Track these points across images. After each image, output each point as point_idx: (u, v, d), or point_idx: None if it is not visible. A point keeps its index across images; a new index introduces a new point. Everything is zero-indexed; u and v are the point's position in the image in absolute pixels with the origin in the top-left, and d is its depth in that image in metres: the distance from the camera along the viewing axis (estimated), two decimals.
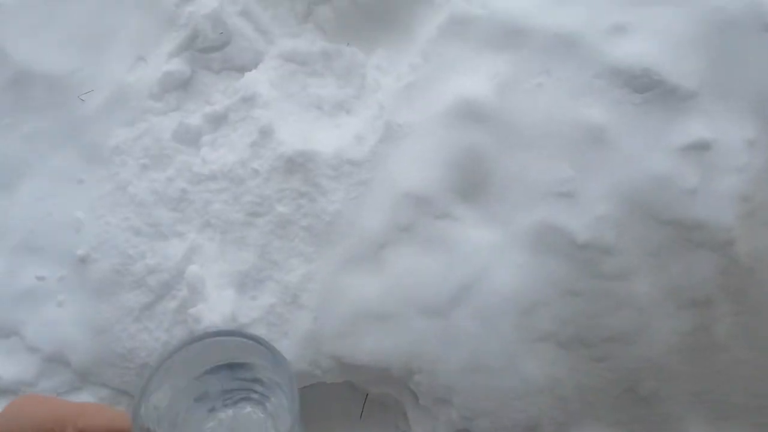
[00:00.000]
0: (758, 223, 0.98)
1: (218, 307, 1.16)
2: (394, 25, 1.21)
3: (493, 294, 1.07)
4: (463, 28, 1.08)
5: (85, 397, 1.19)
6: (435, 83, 1.10)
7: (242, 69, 1.28)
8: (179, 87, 1.28)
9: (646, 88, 1.00)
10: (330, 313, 1.18)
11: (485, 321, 1.08)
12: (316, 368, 1.20)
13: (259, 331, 1.18)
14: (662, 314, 1.05)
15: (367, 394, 1.30)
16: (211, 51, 1.27)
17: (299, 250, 1.17)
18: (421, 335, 1.12)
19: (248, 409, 0.46)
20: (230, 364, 0.46)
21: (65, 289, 1.22)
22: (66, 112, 1.37)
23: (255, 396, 0.46)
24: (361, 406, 1.30)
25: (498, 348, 1.08)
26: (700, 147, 0.99)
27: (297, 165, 1.17)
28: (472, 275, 1.08)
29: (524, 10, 1.06)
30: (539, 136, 1.04)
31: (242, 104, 1.22)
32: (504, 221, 1.08)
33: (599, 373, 1.04)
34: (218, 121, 1.25)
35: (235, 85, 1.26)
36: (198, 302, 1.15)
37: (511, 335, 1.07)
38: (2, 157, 1.33)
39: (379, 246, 1.14)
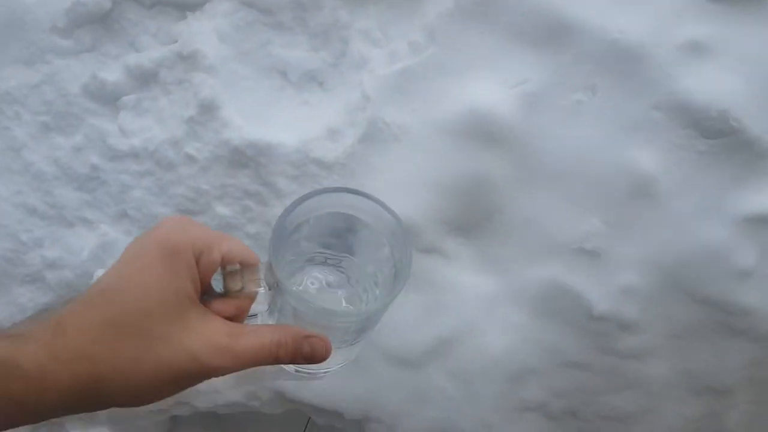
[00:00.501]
0: None
1: None
2: None
3: (478, 353, 0.87)
4: (490, 9, 0.79)
5: None
6: (441, 77, 0.81)
7: (182, 7, 0.95)
8: (95, 21, 0.94)
9: (718, 134, 0.76)
10: None
11: (465, 382, 0.88)
12: (253, 400, 1.00)
13: None
14: (672, 398, 0.88)
15: (309, 418, 1.12)
16: None
17: None
18: (385, 384, 0.92)
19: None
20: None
21: None
22: None
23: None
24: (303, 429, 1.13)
25: (475, 413, 0.90)
26: None
27: (246, 158, 0.89)
28: (457, 327, 0.87)
29: (576, 2, 0.76)
30: (568, 173, 0.80)
31: (179, 62, 0.90)
32: (505, 270, 0.85)
33: None
34: (145, 79, 0.93)
35: (172, 31, 0.93)
36: None
37: (493, 402, 0.89)
38: None
39: None
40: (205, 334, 0.35)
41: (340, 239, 0.46)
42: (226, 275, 0.38)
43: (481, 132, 0.82)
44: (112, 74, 0.94)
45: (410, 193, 0.86)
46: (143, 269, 0.35)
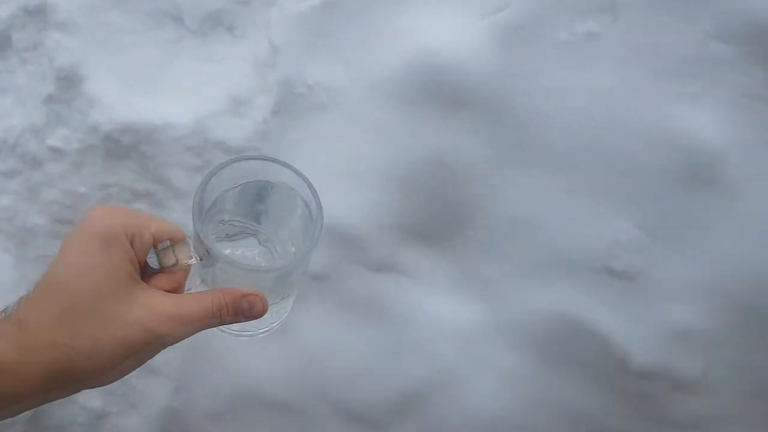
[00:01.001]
0: None
1: None
2: None
3: (459, 412, 0.61)
4: None
5: None
6: (379, 10, 0.52)
7: None
8: None
9: None
10: (198, 385, 0.72)
11: None
12: None
13: (94, 401, 0.73)
14: None
15: None
16: None
17: None
18: None
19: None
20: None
21: None
22: None
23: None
24: None
25: None
26: None
27: (124, 147, 0.63)
28: (428, 376, 0.61)
29: None
30: (578, 150, 0.50)
31: (28, 19, 0.64)
32: (493, 294, 0.58)
33: None
34: None
35: None
36: None
37: None
38: None
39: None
40: (153, 306, 0.37)
41: (253, 208, 0.47)
42: (160, 253, 0.41)
43: (444, 91, 0.53)
44: None
45: (349, 188, 0.59)
46: (85, 258, 0.37)
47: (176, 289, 0.41)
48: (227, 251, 0.43)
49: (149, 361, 0.74)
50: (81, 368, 0.35)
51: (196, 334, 0.72)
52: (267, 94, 0.62)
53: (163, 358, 0.75)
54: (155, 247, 0.41)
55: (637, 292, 0.52)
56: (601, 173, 0.51)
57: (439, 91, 0.54)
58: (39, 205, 0.71)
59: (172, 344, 0.39)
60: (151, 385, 0.77)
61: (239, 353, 0.72)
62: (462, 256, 0.59)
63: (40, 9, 0.65)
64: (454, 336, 0.61)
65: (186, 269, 0.42)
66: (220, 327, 0.45)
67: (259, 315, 0.41)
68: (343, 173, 0.59)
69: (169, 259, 0.40)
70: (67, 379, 0.35)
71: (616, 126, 0.50)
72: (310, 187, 0.43)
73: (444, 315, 0.61)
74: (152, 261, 0.41)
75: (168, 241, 0.41)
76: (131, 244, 0.39)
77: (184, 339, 0.40)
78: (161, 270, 0.41)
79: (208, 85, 0.65)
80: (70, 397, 0.77)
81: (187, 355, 0.75)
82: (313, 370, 0.68)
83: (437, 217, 0.58)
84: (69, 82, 0.65)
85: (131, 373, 0.75)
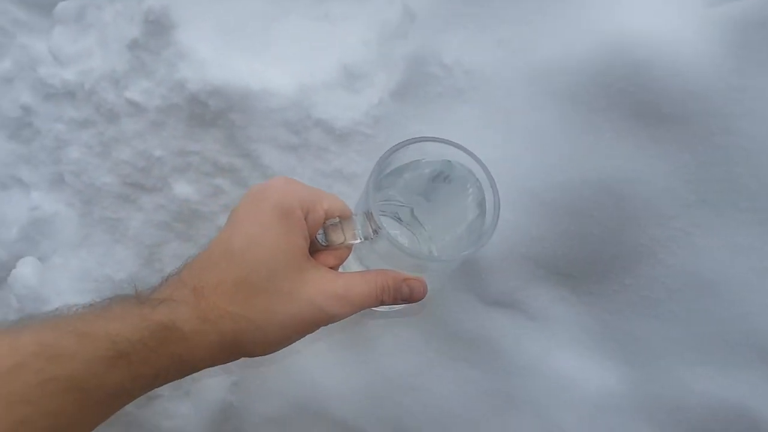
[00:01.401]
0: None
1: None
2: None
3: None
4: None
5: None
6: None
7: None
8: None
9: None
10: (258, 385, 0.64)
11: None
12: None
13: None
14: None
15: None
16: None
17: None
18: None
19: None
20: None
21: None
22: None
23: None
24: None
25: None
26: None
27: (212, 113, 0.53)
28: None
29: None
30: None
31: None
32: (644, 362, 0.46)
33: None
34: None
35: None
36: None
37: None
38: None
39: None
40: (324, 285, 0.38)
41: (425, 191, 0.44)
42: (328, 229, 0.40)
43: (637, 97, 0.41)
44: None
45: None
46: (264, 231, 0.37)
47: (338, 267, 0.42)
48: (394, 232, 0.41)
49: None
50: (252, 339, 0.36)
51: None
52: (390, 70, 0.50)
53: None
54: (324, 223, 0.40)
55: None
56: None
57: (630, 96, 0.41)
58: (110, 163, 0.63)
59: (335, 322, 0.39)
60: (208, 375, 0.69)
61: (307, 361, 0.63)
62: (610, 308, 0.47)
63: None
64: (580, 400, 0.49)
65: (350, 247, 0.42)
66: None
67: (417, 300, 0.41)
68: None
69: (338, 237, 0.40)
70: (236, 347, 0.37)
71: None
72: (489, 176, 0.39)
73: (572, 374, 0.49)
74: (321, 238, 0.40)
75: (338, 218, 0.41)
76: (305, 218, 0.39)
77: (347, 317, 0.40)
78: (328, 247, 0.41)
79: (320, 51, 0.54)
80: None
81: None
82: (393, 400, 0.58)
83: (588, 255, 0.46)
84: (158, 27, 0.55)
85: None
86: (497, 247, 0.48)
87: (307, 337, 0.40)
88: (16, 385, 0.30)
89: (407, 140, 0.40)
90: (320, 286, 0.38)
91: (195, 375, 0.70)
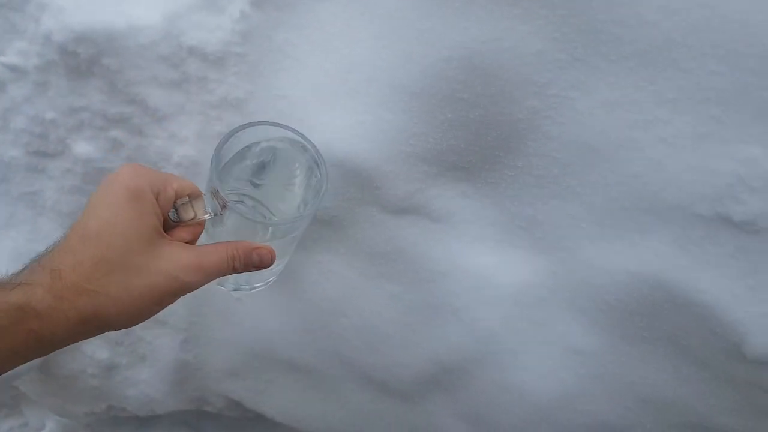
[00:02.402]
0: None
1: None
2: None
3: (507, 394, 0.50)
4: None
5: None
6: None
7: None
8: None
9: None
10: (208, 338, 0.64)
11: (482, 425, 0.52)
12: (204, 405, 0.72)
13: (101, 352, 0.68)
14: None
15: None
16: None
17: None
18: (366, 416, 0.58)
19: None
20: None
21: None
22: None
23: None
24: None
25: None
26: None
27: (85, 61, 0.52)
28: (470, 346, 0.50)
29: None
30: (689, 33, 0.33)
31: None
32: (552, 246, 0.44)
33: None
34: None
35: None
36: None
37: None
38: None
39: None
40: (177, 257, 0.41)
41: (260, 170, 0.49)
42: (179, 208, 0.44)
43: None
44: None
45: (356, 106, 0.46)
46: (116, 212, 0.41)
47: (193, 242, 0.45)
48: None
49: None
50: (112, 313, 0.39)
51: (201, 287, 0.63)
52: None
53: (168, 308, 0.68)
54: (175, 202, 0.44)
55: (765, 251, 0.35)
56: (718, 75, 0.34)
57: None
58: (11, 135, 0.62)
59: (192, 291, 0.42)
60: (159, 336, 0.70)
61: (246, 308, 0.63)
62: (509, 194, 0.45)
63: None
64: (499, 298, 0.48)
65: (202, 223, 0.45)
66: (219, 282, 0.51)
67: (267, 266, 0.45)
68: (347, 85, 0.45)
69: (188, 214, 0.44)
70: (97, 323, 0.39)
71: (744, 3, 0.32)
72: (317, 153, 0.45)
73: (486, 271, 0.48)
74: (172, 215, 0.44)
75: (187, 197, 0.44)
76: (156, 199, 0.42)
77: (202, 286, 0.43)
78: (180, 224, 0.44)
79: None
80: (78, 347, 0.72)
81: (192, 304, 0.66)
82: (328, 329, 0.58)
83: (474, 143, 0.44)
84: None
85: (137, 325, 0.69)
86: (383, 151, 0.46)
87: None
88: None
89: (240, 126, 0.45)
90: (174, 258, 0.41)
91: (145, 336, 0.71)
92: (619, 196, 0.40)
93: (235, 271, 0.44)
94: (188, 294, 0.66)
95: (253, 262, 0.45)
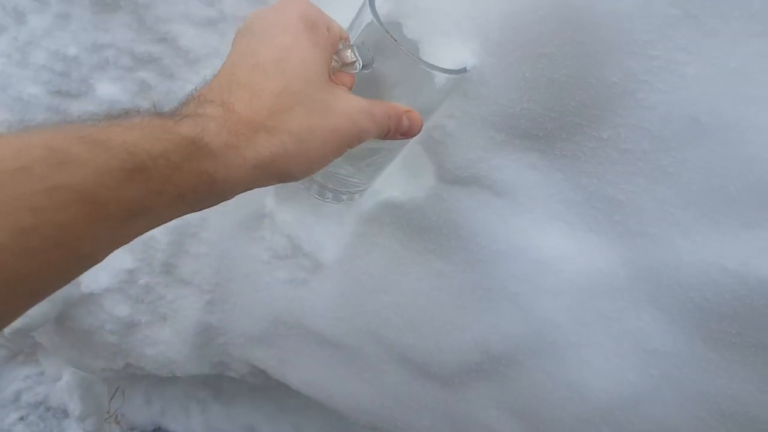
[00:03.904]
0: None
1: None
2: None
3: (564, 388, 0.48)
4: None
5: None
6: None
7: None
8: None
9: None
10: (233, 302, 0.63)
11: (531, 420, 0.50)
12: (226, 370, 0.72)
13: (121, 308, 0.67)
14: None
15: None
16: None
17: None
18: (404, 398, 0.57)
19: None
20: None
21: None
22: None
23: None
24: None
25: None
26: None
27: None
28: (525, 336, 0.48)
29: None
30: None
31: None
32: (634, 232, 0.41)
33: None
34: None
35: None
36: None
37: None
38: None
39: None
40: (352, 100, 0.38)
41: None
42: (341, 51, 0.40)
43: None
44: None
45: (425, 44, 0.42)
46: (296, 41, 0.37)
47: (349, 89, 0.41)
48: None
49: (177, 269, 0.65)
50: (293, 156, 0.35)
51: (228, 247, 0.60)
52: None
53: (192, 267, 0.66)
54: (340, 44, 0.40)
55: None
56: None
57: None
58: (31, 71, 0.60)
59: (363, 141, 0.39)
60: (181, 296, 0.68)
61: (275, 274, 0.61)
62: (587, 170, 0.41)
63: None
64: (565, 285, 0.45)
65: (357, 70, 0.41)
66: (307, 186, 0.48)
67: (414, 134, 0.41)
68: (417, 16, 0.42)
69: (350, 57, 0.40)
70: (275, 168, 0.35)
71: None
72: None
73: (553, 254, 0.45)
74: (337, 57, 0.40)
75: (345, 41, 0.41)
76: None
77: (370, 138, 0.39)
78: (342, 68, 0.40)
79: None
80: (96, 301, 0.70)
81: (220, 266, 0.65)
82: (366, 306, 0.55)
83: (553, 108, 0.40)
84: None
85: (157, 279, 0.67)
86: (444, 108, 0.42)
87: None
88: (20, 189, 0.28)
89: None
90: (349, 100, 0.38)
91: (167, 295, 0.70)
92: (725, 183, 0.36)
93: (387, 133, 0.40)
94: (213, 253, 0.64)
95: (403, 127, 0.40)
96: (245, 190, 0.35)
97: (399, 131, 0.40)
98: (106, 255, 0.32)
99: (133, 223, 0.32)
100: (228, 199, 0.35)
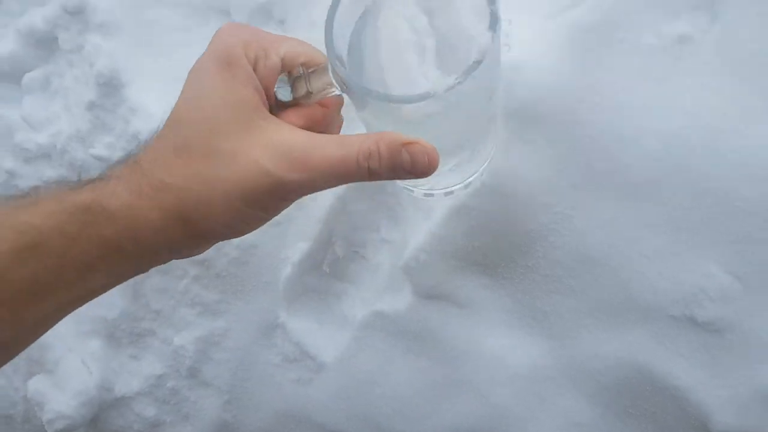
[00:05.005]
0: None
1: (75, 372, 0.79)
2: None
3: None
4: None
5: None
6: None
7: None
8: None
9: None
10: (248, 400, 0.77)
11: None
12: None
13: (149, 409, 0.81)
14: None
15: None
16: None
17: (193, 296, 0.74)
18: None
19: None
20: None
21: None
22: None
23: None
24: None
25: None
26: None
27: None
28: (485, 417, 0.63)
29: None
30: (660, 177, 0.48)
31: (70, 20, 0.69)
32: (556, 333, 0.58)
33: None
34: (46, 45, 0.74)
35: None
36: (38, 371, 0.77)
37: None
38: None
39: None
40: (277, 144, 0.34)
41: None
42: (293, 81, 0.37)
43: (510, 106, 0.52)
44: (7, 43, 0.76)
45: None
46: (203, 86, 0.35)
47: (310, 128, 0.37)
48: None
49: (201, 373, 0.80)
50: (198, 214, 0.34)
51: (246, 353, 0.76)
52: None
53: (214, 371, 0.81)
54: (288, 74, 0.37)
55: (723, 347, 0.49)
56: (687, 207, 0.48)
57: (505, 110, 0.52)
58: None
59: (302, 194, 0.35)
60: (203, 396, 0.82)
61: (285, 375, 0.76)
62: (522, 288, 0.58)
63: (79, 9, 0.70)
64: (513, 376, 0.60)
65: (328, 105, 0.37)
66: (403, 182, 0.42)
67: (424, 172, 0.34)
68: None
69: (300, 88, 0.36)
70: (184, 226, 0.34)
71: (709, 152, 0.47)
72: None
73: (502, 352, 0.61)
74: (281, 92, 0.37)
75: (301, 67, 0.37)
76: (254, 68, 0.36)
77: (316, 190, 0.35)
78: (292, 103, 0.37)
79: None
80: (127, 404, 0.84)
81: (237, 369, 0.80)
82: (362, 398, 0.71)
83: (494, 245, 0.58)
84: (110, 88, 0.70)
85: (183, 383, 0.81)
86: (420, 246, 0.60)
87: None
88: None
89: None
90: (272, 145, 0.34)
91: (191, 396, 0.84)
92: (610, 297, 0.54)
93: (371, 175, 0.34)
94: (233, 359, 0.80)
95: (403, 164, 0.33)
96: (173, 255, 0.35)
97: (398, 169, 0.34)
98: (30, 337, 0.34)
99: (41, 301, 0.32)
100: (159, 264, 0.35)
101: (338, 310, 0.72)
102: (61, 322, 0.81)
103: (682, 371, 0.51)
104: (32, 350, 0.82)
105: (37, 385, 0.81)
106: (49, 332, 0.83)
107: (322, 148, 0.34)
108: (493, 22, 0.33)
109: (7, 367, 0.85)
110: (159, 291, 0.78)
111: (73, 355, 0.83)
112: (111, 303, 0.80)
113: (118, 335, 0.83)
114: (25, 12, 0.75)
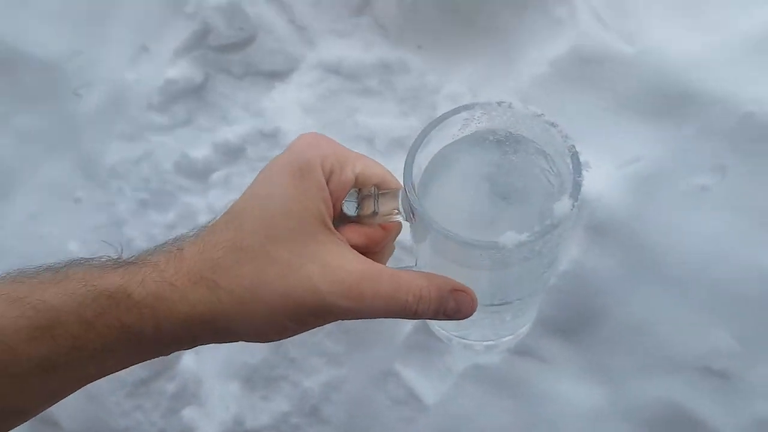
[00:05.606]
0: None
1: (217, 406, 1.02)
2: (489, 36, 0.90)
3: None
4: (595, 73, 0.76)
5: None
6: None
7: (271, 77, 1.05)
8: (189, 95, 1.07)
9: None
10: None
11: None
12: None
13: None
14: None
15: None
16: (228, 51, 1.04)
17: (323, 348, 0.98)
18: None
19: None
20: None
21: None
22: (60, 107, 1.22)
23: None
24: None
25: None
26: None
27: None
28: None
29: (703, 68, 0.71)
30: (689, 275, 0.75)
31: (262, 139, 1.00)
32: (614, 382, 0.83)
33: None
34: (234, 154, 1.04)
35: (261, 102, 1.03)
36: (192, 402, 1.01)
37: None
38: None
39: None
40: (333, 267, 0.34)
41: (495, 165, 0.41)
42: (362, 199, 0.38)
43: (585, 220, 0.80)
44: (202, 151, 1.06)
45: None
46: (271, 189, 0.36)
47: (367, 247, 0.39)
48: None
49: (321, 411, 1.04)
50: (233, 317, 0.33)
51: (361, 396, 0.99)
52: None
53: (333, 410, 1.04)
54: (359, 191, 0.39)
55: (732, 388, 0.74)
56: (707, 294, 0.75)
57: (581, 219, 0.81)
58: None
59: (342, 319, 0.35)
60: (321, 431, 1.05)
61: (392, 415, 0.99)
62: (588, 348, 0.84)
63: (273, 133, 1.01)
64: (580, 416, 0.85)
65: (389, 229, 0.39)
66: (439, 324, 0.41)
67: (463, 316, 0.36)
68: None
69: (367, 207, 0.37)
70: (214, 326, 0.34)
71: (721, 258, 0.75)
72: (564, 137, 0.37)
73: (572, 396, 0.86)
74: (347, 206, 0.38)
75: (374, 187, 0.38)
76: (327, 180, 0.37)
77: (358, 318, 0.35)
78: (355, 219, 0.38)
79: None
80: None
81: (353, 410, 1.03)
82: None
83: (570, 316, 0.84)
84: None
85: (305, 420, 1.05)
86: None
87: None
88: None
89: (457, 108, 0.38)
90: (329, 266, 0.34)
91: (311, 431, 1.06)
92: (653, 354, 0.80)
93: (416, 315, 0.35)
94: (350, 400, 1.04)
95: (447, 310, 0.35)
96: (190, 346, 0.35)
97: (442, 314, 0.36)
98: (44, 405, 0.34)
99: (54, 378, 0.32)
100: (178, 350, 0.35)
101: (441, 363, 0.97)
102: (211, 364, 1.06)
103: (703, 408, 0.76)
104: (189, 383, 1.06)
105: (192, 413, 1.04)
106: (203, 369, 1.07)
107: (377, 281, 0.34)
108: (575, 191, 0.35)
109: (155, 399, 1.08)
110: (298, 343, 1.03)
111: (217, 392, 1.06)
112: (254, 350, 1.05)
113: (255, 378, 1.07)
114: (234, 123, 1.06)
